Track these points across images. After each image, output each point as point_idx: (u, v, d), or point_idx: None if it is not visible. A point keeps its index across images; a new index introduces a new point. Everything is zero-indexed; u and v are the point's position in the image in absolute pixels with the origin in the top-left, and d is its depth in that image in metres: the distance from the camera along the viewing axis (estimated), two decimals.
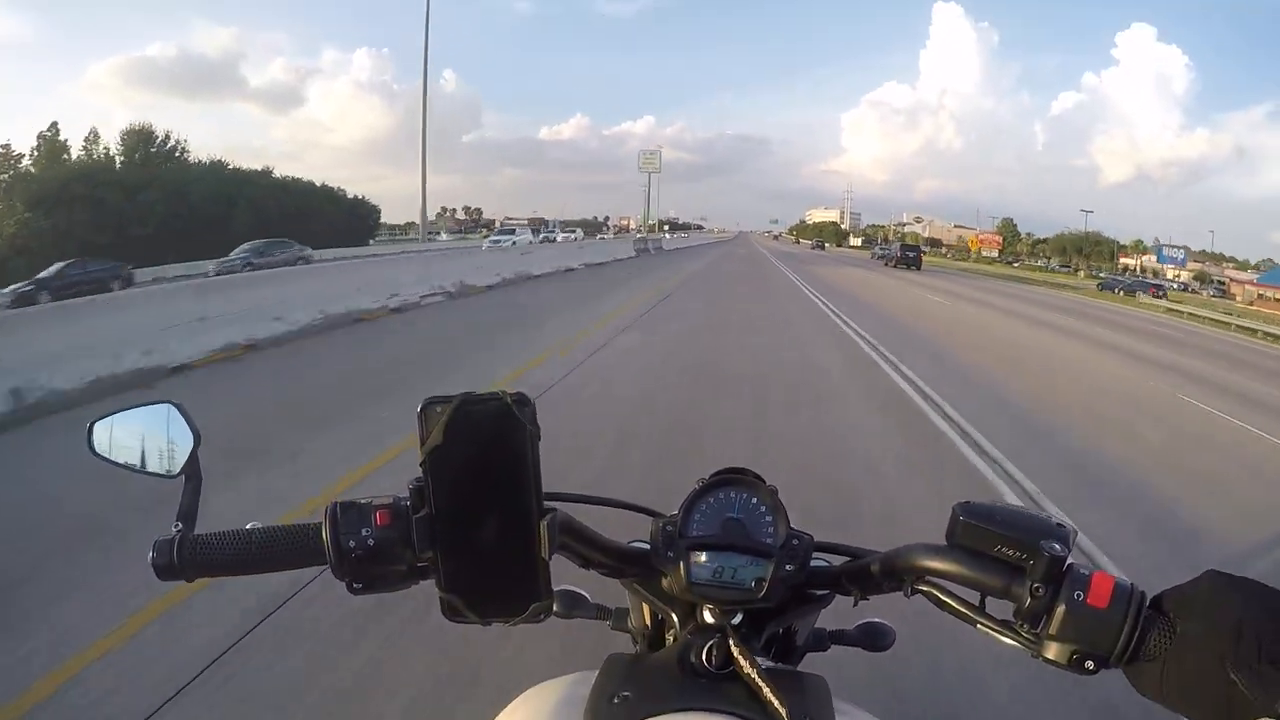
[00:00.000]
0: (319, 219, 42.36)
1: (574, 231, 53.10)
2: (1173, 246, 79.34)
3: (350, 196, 50.43)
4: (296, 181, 45.95)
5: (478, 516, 0.53)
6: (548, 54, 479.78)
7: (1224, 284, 68.13)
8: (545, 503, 0.55)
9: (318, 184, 47.68)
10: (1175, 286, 57.01)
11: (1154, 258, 78.88)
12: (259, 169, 44.54)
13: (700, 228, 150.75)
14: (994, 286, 30.95)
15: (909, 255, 41.83)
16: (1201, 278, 73.64)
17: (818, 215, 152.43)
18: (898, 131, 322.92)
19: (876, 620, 0.79)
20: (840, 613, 0.75)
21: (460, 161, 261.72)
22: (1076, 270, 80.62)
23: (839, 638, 0.80)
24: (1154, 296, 34.87)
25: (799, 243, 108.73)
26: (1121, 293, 39.52)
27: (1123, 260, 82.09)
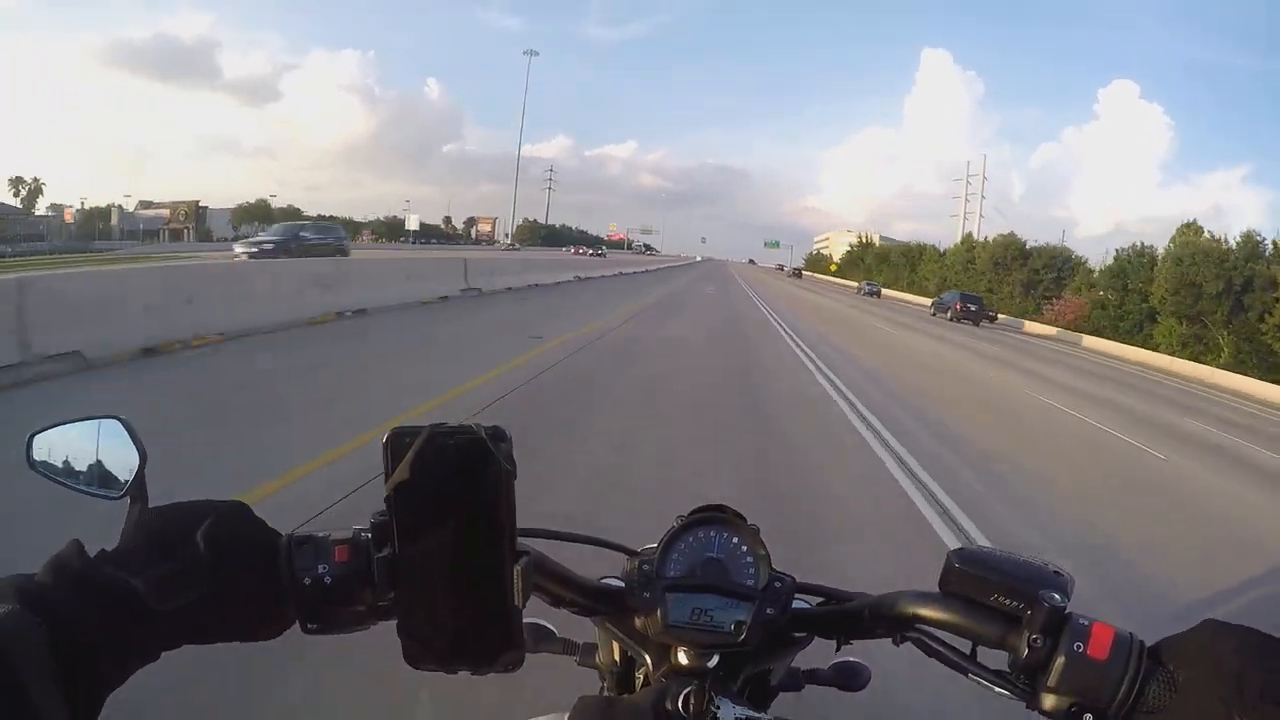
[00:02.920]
0: None
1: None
2: None
3: None
4: None
5: (445, 558, 0.49)
6: (535, 73, 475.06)
7: None
8: (519, 544, 0.51)
9: None
10: None
11: None
12: None
13: (649, 248, 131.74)
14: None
15: (970, 309, 32.11)
16: None
17: (836, 241, 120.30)
18: (877, 173, 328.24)
19: (852, 660, 0.77)
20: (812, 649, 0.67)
21: (437, 172, 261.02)
22: None
23: (813, 677, 0.78)
24: None
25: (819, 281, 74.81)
26: None
27: None
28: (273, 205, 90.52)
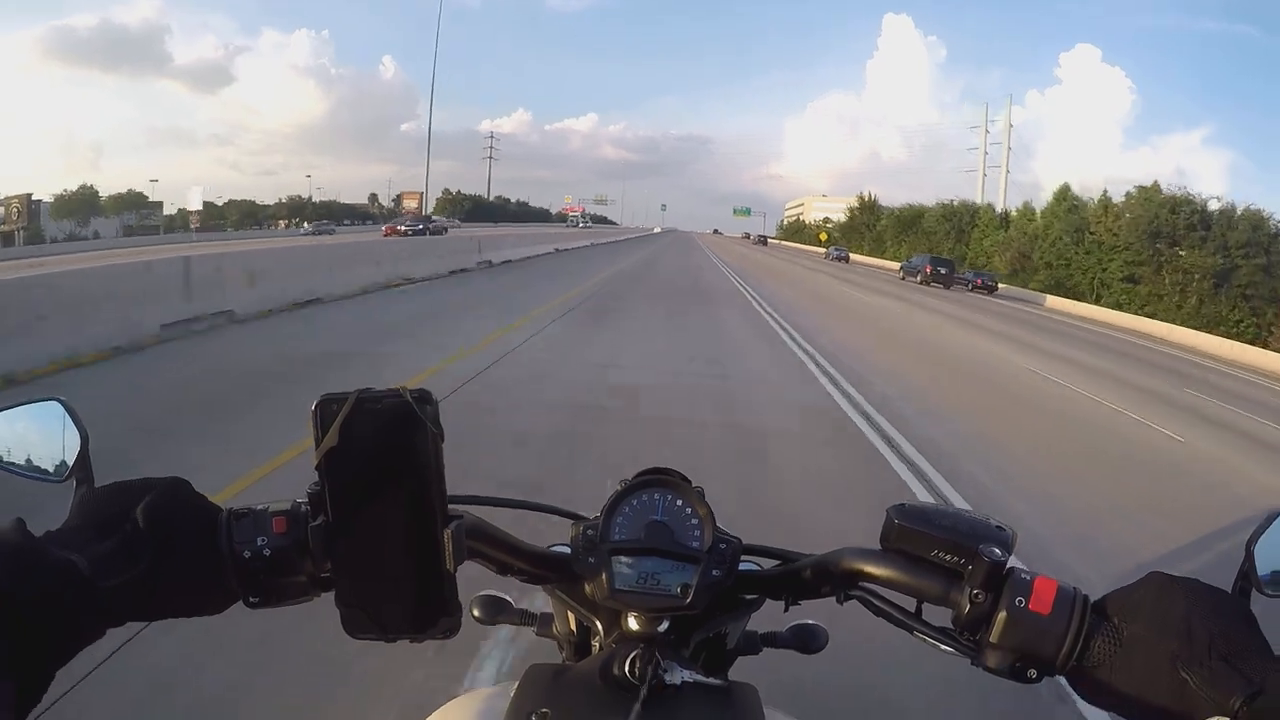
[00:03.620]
0: None
1: None
2: None
3: None
4: None
5: (377, 525, 0.49)
6: (493, 48, 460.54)
7: None
8: (451, 508, 0.52)
9: None
10: None
11: None
12: None
13: (591, 222, 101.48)
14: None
15: (940, 272, 32.15)
16: None
17: (812, 206, 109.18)
18: (841, 140, 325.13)
19: (809, 622, 0.78)
20: (771, 613, 0.74)
21: (395, 151, 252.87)
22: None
23: (771, 640, 0.78)
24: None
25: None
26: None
27: None
28: (102, 193, 76.95)
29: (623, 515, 0.65)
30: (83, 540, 0.47)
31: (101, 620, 0.46)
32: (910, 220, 54.16)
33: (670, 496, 0.66)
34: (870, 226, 62.35)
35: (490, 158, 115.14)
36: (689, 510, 0.65)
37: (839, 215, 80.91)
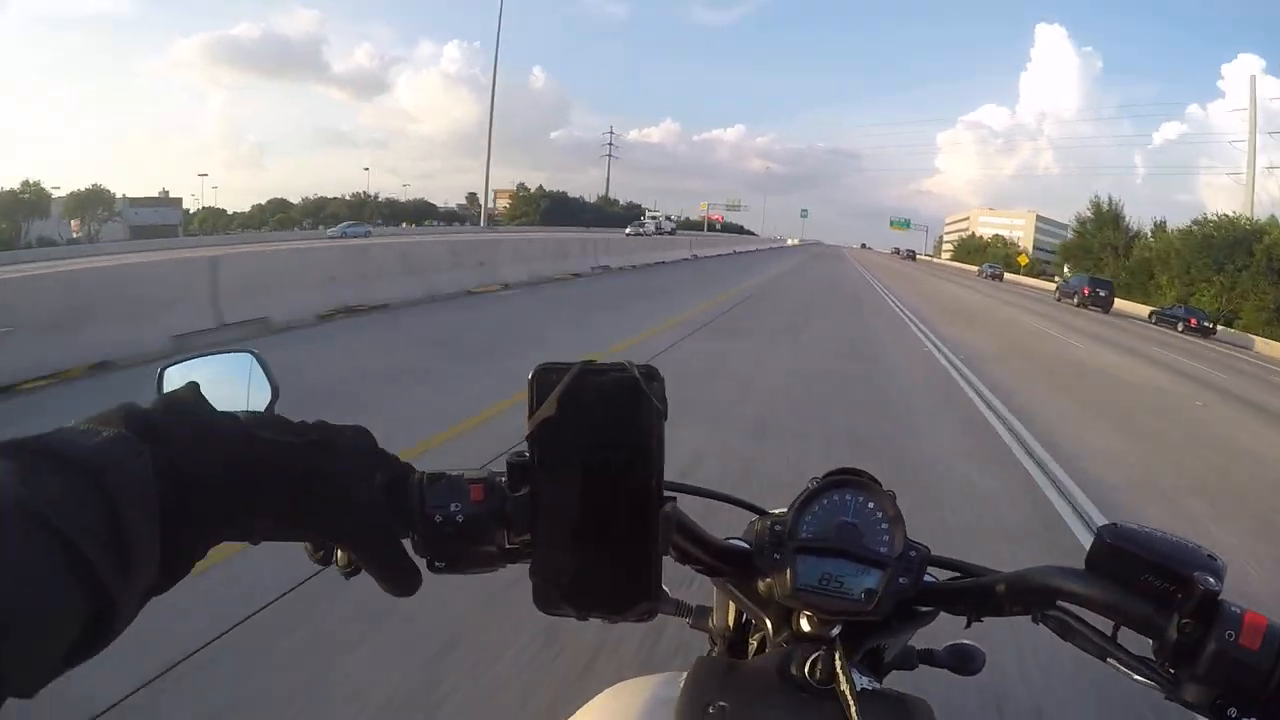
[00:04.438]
0: None
1: None
2: None
3: None
4: None
5: (587, 500, 0.47)
6: (641, 59, 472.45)
7: None
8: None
9: None
10: None
11: None
12: None
13: (745, 230, 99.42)
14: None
15: (1099, 294, 29.81)
16: None
17: (980, 221, 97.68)
18: (993, 155, 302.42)
19: (966, 642, 0.75)
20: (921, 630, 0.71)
21: (546, 158, 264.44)
22: None
23: (928, 658, 0.76)
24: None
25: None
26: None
27: None
28: (116, 193, 75.12)
29: (812, 514, 0.63)
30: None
31: (262, 515, 0.41)
32: (1232, 243, 32.19)
33: (862, 498, 0.64)
34: (1119, 249, 40.89)
35: (609, 155, 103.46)
36: (880, 514, 0.63)
37: (1011, 232, 70.94)
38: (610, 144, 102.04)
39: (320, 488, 0.42)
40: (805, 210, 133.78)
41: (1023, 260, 56.30)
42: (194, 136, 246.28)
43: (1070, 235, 50.03)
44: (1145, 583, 0.50)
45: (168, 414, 0.38)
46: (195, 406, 0.40)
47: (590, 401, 0.46)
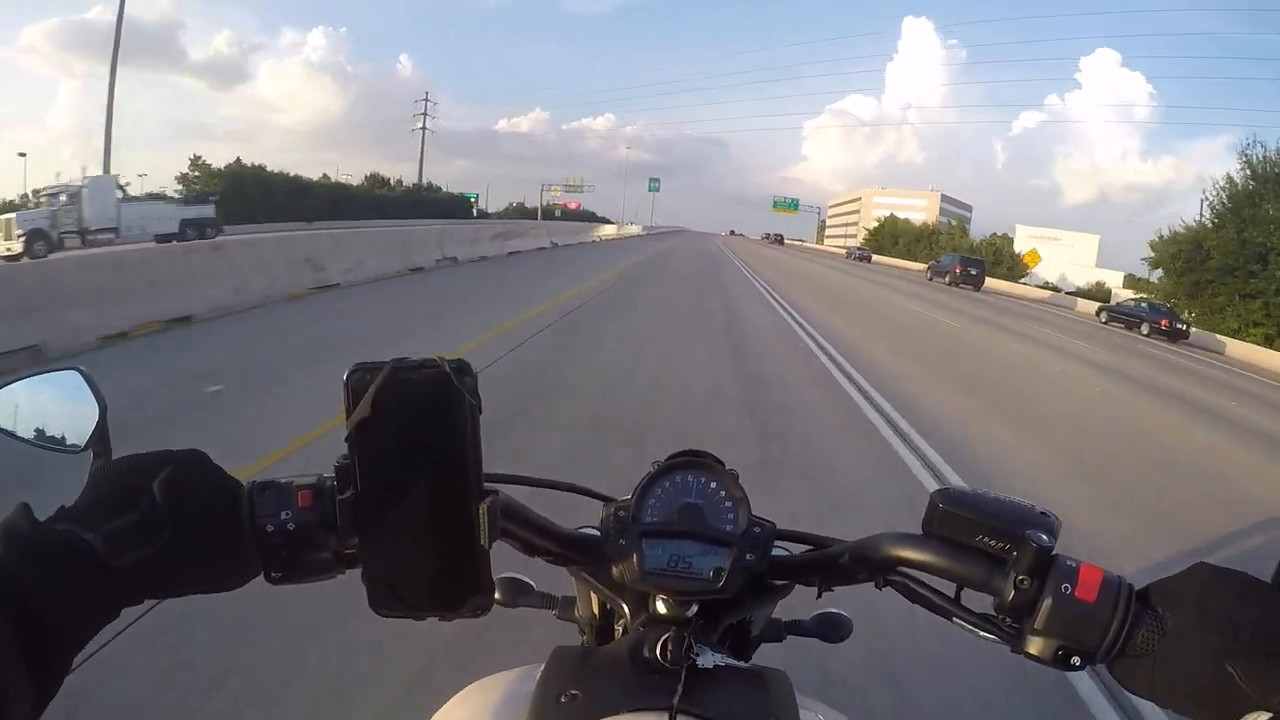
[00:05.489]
0: None
1: None
2: None
3: None
4: None
5: (409, 499, 0.47)
6: (510, 49, 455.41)
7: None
8: (485, 485, 0.49)
9: None
10: None
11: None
12: None
13: (599, 218, 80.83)
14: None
15: (971, 273, 30.96)
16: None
17: (881, 201, 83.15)
18: (859, 143, 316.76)
19: (833, 610, 0.77)
20: (791, 601, 0.73)
21: (409, 149, 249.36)
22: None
23: (795, 628, 0.77)
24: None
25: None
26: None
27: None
28: None
29: (655, 497, 0.64)
30: (97, 516, 0.45)
31: (116, 599, 0.44)
32: None
33: (704, 479, 0.65)
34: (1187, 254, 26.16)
35: (423, 128, 68.19)
36: (723, 493, 0.64)
37: (912, 213, 60.76)
38: (425, 113, 69.35)
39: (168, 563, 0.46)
40: (655, 181, 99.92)
41: (1032, 259, 44.38)
42: (41, 129, 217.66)
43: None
44: (981, 544, 0.51)
45: (5, 548, 0.41)
46: (29, 533, 0.42)
47: (404, 400, 0.46)
